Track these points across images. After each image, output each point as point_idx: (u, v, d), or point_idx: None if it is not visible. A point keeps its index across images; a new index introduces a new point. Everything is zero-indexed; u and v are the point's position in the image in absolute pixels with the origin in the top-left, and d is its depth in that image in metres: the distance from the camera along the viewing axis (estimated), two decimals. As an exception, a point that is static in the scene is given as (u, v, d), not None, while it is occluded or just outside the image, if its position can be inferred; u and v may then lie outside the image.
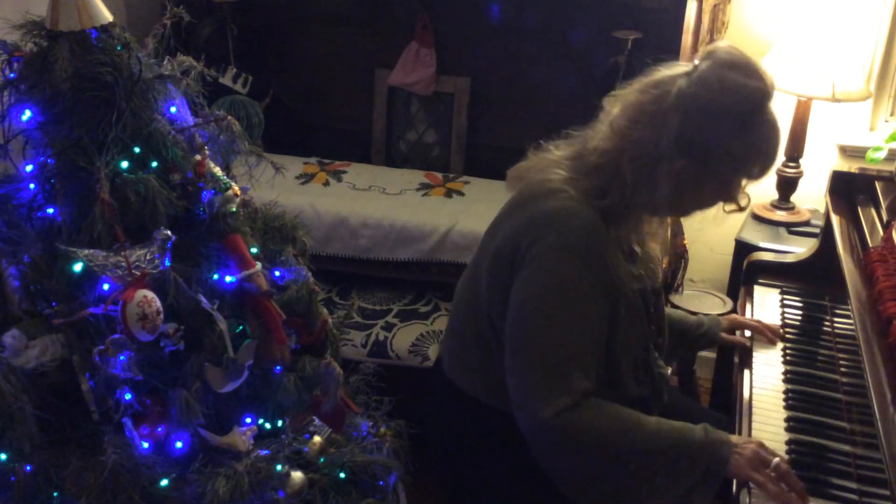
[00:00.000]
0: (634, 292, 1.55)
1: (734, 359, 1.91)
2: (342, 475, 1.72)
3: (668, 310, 1.88)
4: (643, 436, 1.45)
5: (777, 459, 1.42)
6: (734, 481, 1.46)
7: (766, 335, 1.89)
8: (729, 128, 1.45)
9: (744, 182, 1.55)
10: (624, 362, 1.55)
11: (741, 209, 1.64)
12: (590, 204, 1.51)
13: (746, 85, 1.45)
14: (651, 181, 1.49)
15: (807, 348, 1.86)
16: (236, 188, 1.62)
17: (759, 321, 1.93)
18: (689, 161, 1.47)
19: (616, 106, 1.55)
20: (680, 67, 1.52)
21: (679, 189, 1.50)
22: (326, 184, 2.72)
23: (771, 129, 1.48)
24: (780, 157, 1.55)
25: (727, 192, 1.56)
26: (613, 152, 1.52)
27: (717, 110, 1.45)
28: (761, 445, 1.45)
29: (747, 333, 1.93)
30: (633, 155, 1.49)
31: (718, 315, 2.01)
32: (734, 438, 1.47)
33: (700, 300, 2.70)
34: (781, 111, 2.71)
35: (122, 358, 1.42)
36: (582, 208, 1.50)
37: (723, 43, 1.52)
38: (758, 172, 1.53)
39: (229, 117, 1.63)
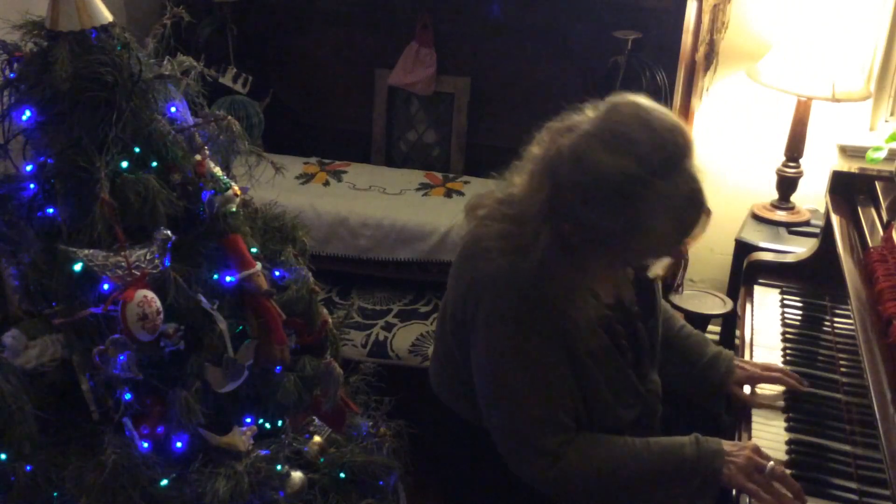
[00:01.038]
0: (590, 323, 1.46)
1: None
2: (342, 475, 1.73)
3: (690, 330, 1.79)
4: (634, 463, 1.46)
5: (771, 463, 1.42)
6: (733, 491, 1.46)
7: (790, 384, 1.70)
8: (596, 207, 1.33)
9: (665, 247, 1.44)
10: (605, 394, 1.53)
11: (678, 263, 1.54)
12: (529, 258, 1.39)
13: (608, 166, 1.31)
14: (538, 244, 1.37)
15: (807, 348, 1.86)
16: (236, 188, 1.62)
17: (780, 370, 1.73)
18: (572, 227, 1.37)
19: (530, 152, 1.46)
20: (580, 116, 1.40)
21: (587, 251, 1.40)
22: (326, 184, 2.72)
23: (652, 211, 1.32)
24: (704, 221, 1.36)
25: (642, 257, 1.46)
26: (520, 205, 1.43)
27: (582, 189, 1.33)
28: (755, 451, 1.44)
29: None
30: (531, 211, 1.40)
31: (731, 354, 1.78)
32: (727, 446, 1.46)
33: (700, 300, 2.70)
34: (781, 111, 2.74)
35: (121, 358, 1.42)
36: (516, 268, 1.40)
37: (620, 98, 1.37)
38: (652, 250, 1.41)
39: (229, 117, 1.63)
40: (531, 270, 1.40)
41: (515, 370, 1.46)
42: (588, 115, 1.39)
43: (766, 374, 1.72)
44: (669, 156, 1.32)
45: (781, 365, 1.79)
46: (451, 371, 1.63)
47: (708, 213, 1.37)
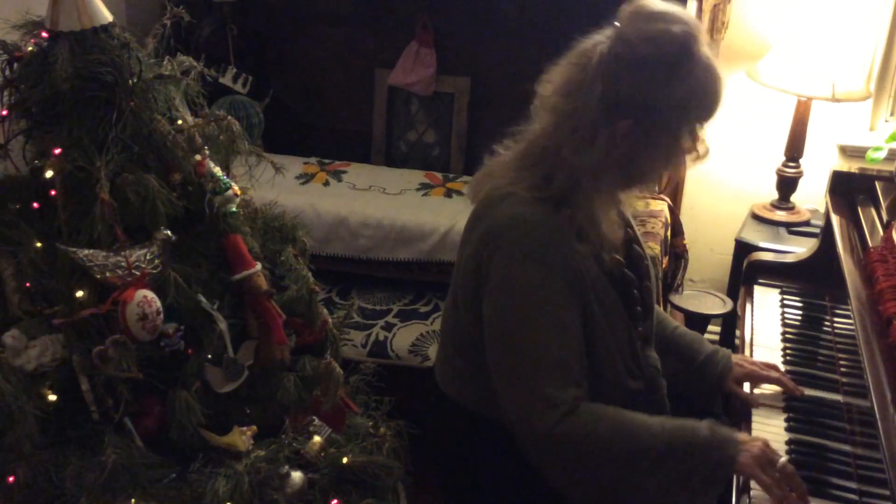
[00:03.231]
0: (600, 277, 1.50)
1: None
2: (342, 475, 1.72)
3: (685, 330, 1.81)
4: (647, 437, 1.43)
5: (784, 459, 1.42)
6: (734, 487, 1.46)
7: (788, 387, 1.70)
8: (662, 77, 1.42)
9: (697, 129, 1.50)
10: (613, 356, 1.52)
11: (700, 158, 1.59)
12: (539, 199, 1.47)
13: (668, 31, 1.42)
14: (594, 150, 1.44)
15: (807, 348, 1.86)
16: (236, 188, 1.62)
17: (775, 370, 1.74)
18: (633, 120, 1.43)
19: (547, 87, 1.51)
20: (601, 34, 1.48)
21: (630, 152, 1.45)
22: (326, 184, 2.71)
23: (705, 68, 1.43)
24: (724, 102, 1.47)
25: (680, 146, 1.50)
26: (552, 132, 1.48)
27: (644, 63, 1.41)
28: (767, 444, 1.44)
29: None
30: (570, 128, 1.45)
31: (728, 351, 1.78)
32: (741, 436, 1.46)
33: (700, 300, 2.70)
34: (781, 111, 2.74)
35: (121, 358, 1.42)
36: (531, 208, 1.46)
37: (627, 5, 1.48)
38: (705, 115, 1.48)
39: (229, 117, 1.63)
40: (555, 198, 1.46)
41: (533, 311, 1.44)
42: (604, 33, 1.48)
43: (765, 372, 1.72)
44: (695, 23, 1.45)
45: (781, 366, 1.79)
46: (458, 360, 1.62)
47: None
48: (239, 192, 1.62)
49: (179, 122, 1.57)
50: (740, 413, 1.68)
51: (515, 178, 1.51)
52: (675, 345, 1.77)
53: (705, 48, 1.44)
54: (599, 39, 1.47)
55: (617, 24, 1.46)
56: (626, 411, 1.47)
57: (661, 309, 1.85)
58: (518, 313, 1.46)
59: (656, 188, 2.56)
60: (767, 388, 1.72)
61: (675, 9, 1.45)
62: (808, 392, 1.71)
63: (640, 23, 1.44)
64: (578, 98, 1.45)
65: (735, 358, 1.75)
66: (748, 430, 1.62)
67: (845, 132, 2.75)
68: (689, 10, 2.39)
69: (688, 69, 1.42)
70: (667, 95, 1.42)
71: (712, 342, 1.84)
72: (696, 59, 1.43)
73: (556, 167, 1.47)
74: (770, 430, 1.61)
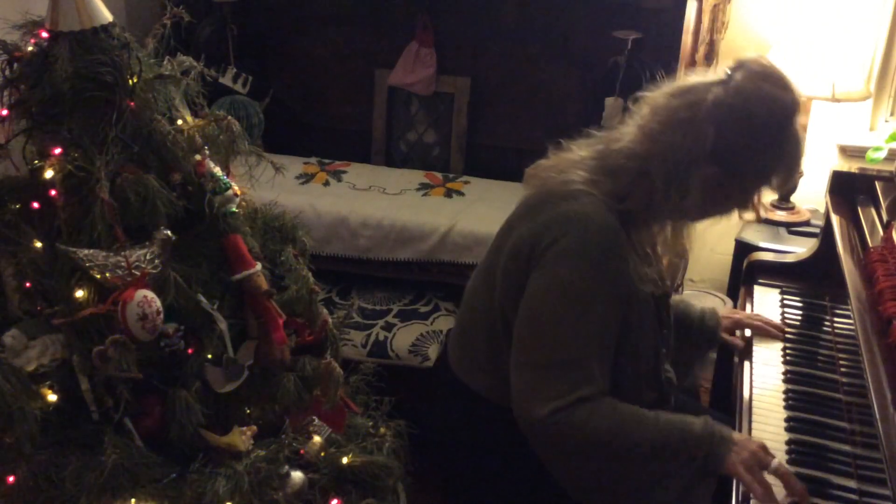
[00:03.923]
0: (647, 297, 1.55)
1: (734, 358, 1.91)
2: (342, 475, 1.72)
3: (677, 300, 1.87)
4: (643, 429, 1.45)
5: (777, 461, 1.42)
6: (733, 494, 1.46)
7: (768, 332, 1.90)
8: (764, 139, 1.47)
9: (763, 192, 1.57)
10: (638, 369, 1.55)
11: (758, 219, 1.65)
12: (610, 207, 1.51)
13: (782, 98, 1.47)
14: (683, 187, 1.49)
15: (807, 348, 1.86)
16: (236, 188, 1.62)
17: (759, 318, 1.92)
18: (720, 169, 1.48)
19: (644, 108, 1.54)
20: (711, 76, 1.52)
21: (706, 195, 1.50)
22: (326, 184, 2.72)
23: (796, 142, 1.51)
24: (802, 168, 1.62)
25: (748, 201, 1.57)
26: (642, 154, 1.51)
27: (753, 121, 1.46)
28: (762, 447, 1.44)
29: (748, 332, 1.93)
30: (665, 159, 1.49)
31: (713, 308, 1.97)
32: (735, 436, 1.46)
33: (700, 300, 2.69)
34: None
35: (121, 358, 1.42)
36: (602, 212, 1.49)
37: (752, 55, 1.54)
38: (782, 182, 1.55)
39: (229, 117, 1.63)
40: (623, 212, 1.51)
41: (571, 307, 1.46)
42: (715, 76, 1.51)
43: (748, 318, 1.93)
44: (800, 94, 1.52)
45: (780, 366, 1.79)
46: (478, 344, 1.63)
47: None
48: (239, 192, 1.62)
49: (179, 122, 1.57)
50: (741, 413, 1.69)
51: (590, 181, 1.54)
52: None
53: (798, 122, 1.51)
54: (712, 81, 1.50)
55: (730, 72, 1.50)
56: (624, 404, 1.48)
57: None
58: (557, 305, 1.47)
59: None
60: (768, 392, 1.72)
61: (784, 75, 1.51)
62: (808, 391, 1.71)
63: (759, 81, 1.48)
64: (680, 133, 1.48)
65: (723, 311, 1.94)
66: (749, 428, 1.62)
67: (845, 132, 2.75)
68: (690, 11, 2.40)
69: (785, 138, 1.48)
70: (759, 157, 1.49)
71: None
72: (792, 131, 1.49)
73: (636, 187, 1.51)
74: (770, 429, 1.61)
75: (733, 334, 1.94)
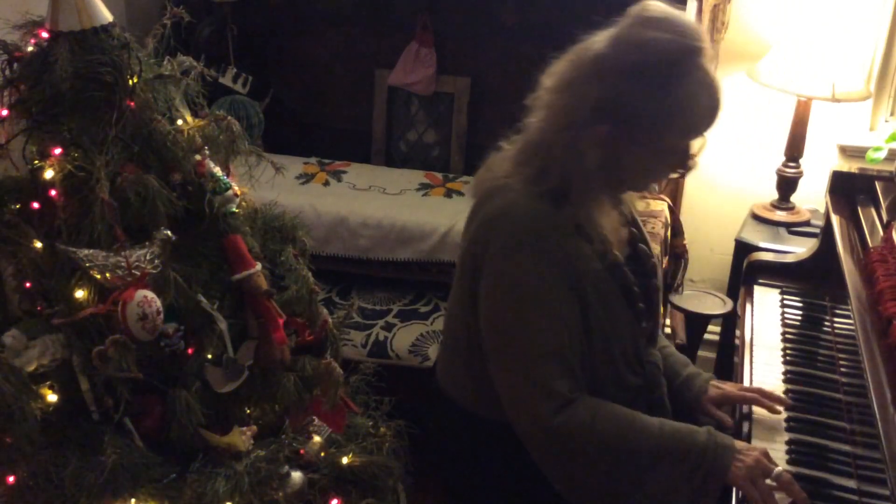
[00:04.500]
0: (602, 273, 1.49)
1: (734, 358, 1.91)
2: (342, 475, 1.72)
3: (673, 351, 1.78)
4: (645, 437, 1.43)
5: (779, 469, 1.41)
6: (733, 498, 1.45)
7: (765, 405, 1.63)
8: (645, 87, 1.38)
9: (684, 143, 1.47)
10: (613, 351, 1.51)
11: (683, 173, 1.57)
12: (534, 193, 1.46)
13: (660, 40, 1.37)
14: (576, 151, 1.42)
15: (807, 348, 1.86)
16: (236, 188, 1.62)
17: (756, 390, 1.65)
18: (612, 125, 1.40)
19: (546, 81, 1.50)
20: (603, 32, 1.45)
21: (611, 157, 1.43)
22: (326, 184, 2.71)
23: (698, 83, 1.39)
24: (721, 121, 1.45)
25: (667, 156, 1.48)
26: (545, 128, 1.47)
27: (631, 69, 1.38)
28: (765, 454, 1.43)
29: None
30: (558, 125, 1.44)
31: (710, 375, 1.73)
32: (738, 444, 1.45)
33: (700, 300, 2.70)
34: (781, 111, 2.73)
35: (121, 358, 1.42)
36: (525, 200, 1.46)
37: (649, 2, 1.44)
38: (691, 130, 1.45)
39: (229, 117, 1.63)
40: (551, 193, 1.45)
41: (528, 302, 1.43)
42: (607, 32, 1.44)
43: (740, 393, 1.66)
44: (700, 38, 1.40)
45: (780, 366, 1.79)
46: (458, 359, 1.62)
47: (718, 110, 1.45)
48: (239, 192, 1.62)
49: (179, 122, 1.57)
50: (742, 414, 1.68)
51: (511, 172, 1.50)
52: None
53: (703, 62, 1.40)
54: (597, 39, 1.45)
55: (618, 23, 1.44)
56: (624, 409, 1.47)
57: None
58: (513, 303, 1.45)
59: (655, 189, 2.56)
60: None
61: (678, 19, 1.40)
62: (808, 391, 1.71)
63: (637, 27, 1.40)
64: (569, 95, 1.44)
65: (713, 381, 1.70)
66: (748, 428, 1.61)
67: (845, 132, 2.75)
68: (690, 11, 2.39)
69: (676, 82, 1.38)
70: (649, 105, 1.39)
71: (712, 343, 1.83)
72: (686, 73, 1.38)
73: (549, 162, 1.46)
74: (770, 430, 1.61)
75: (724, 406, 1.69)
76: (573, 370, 1.45)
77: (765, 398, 1.63)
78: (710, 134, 1.50)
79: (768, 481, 1.40)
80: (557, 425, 1.41)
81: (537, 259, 1.43)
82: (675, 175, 1.55)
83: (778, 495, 1.40)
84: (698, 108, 1.41)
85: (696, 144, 1.51)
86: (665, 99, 1.39)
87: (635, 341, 1.57)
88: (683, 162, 1.50)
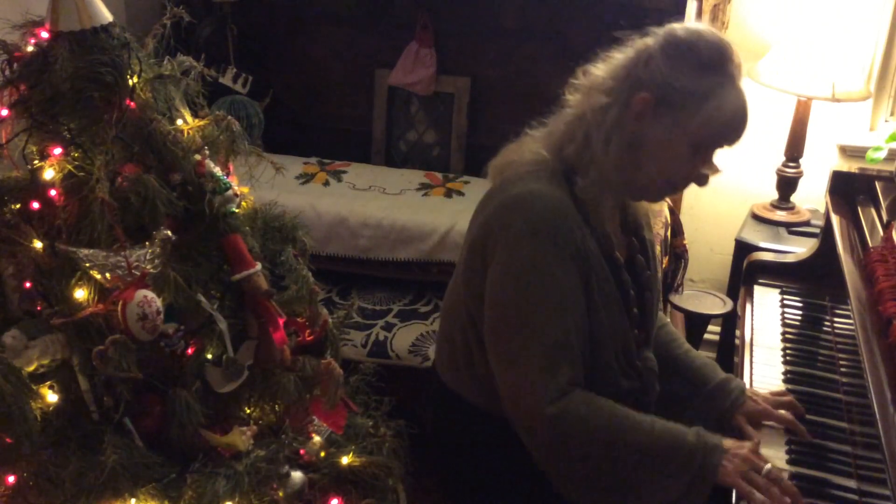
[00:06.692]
0: (607, 274, 1.51)
1: (734, 358, 1.91)
2: (342, 475, 1.72)
3: (697, 354, 1.77)
4: (636, 434, 1.43)
5: (768, 465, 1.41)
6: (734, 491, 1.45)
7: (799, 430, 1.58)
8: (692, 67, 1.45)
9: (709, 148, 1.51)
10: (607, 349, 1.51)
11: (700, 179, 1.58)
12: (558, 183, 1.48)
13: (710, 36, 1.46)
14: (605, 122, 1.47)
15: (807, 348, 1.86)
16: (236, 188, 1.62)
17: (791, 417, 1.60)
18: (651, 96, 1.45)
19: (589, 72, 1.54)
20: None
21: (640, 132, 1.46)
22: (326, 184, 2.72)
23: (736, 92, 1.47)
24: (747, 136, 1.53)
25: (688, 153, 1.50)
26: (583, 100, 1.51)
27: (676, 48, 1.46)
28: (753, 450, 1.44)
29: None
30: (599, 95, 1.49)
31: (742, 383, 1.68)
32: (727, 443, 1.45)
33: (700, 300, 2.71)
34: (781, 111, 2.74)
35: (121, 358, 1.42)
36: (547, 189, 1.47)
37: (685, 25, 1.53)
38: (719, 136, 1.50)
39: (229, 117, 1.63)
40: (565, 178, 1.49)
41: (539, 288, 1.43)
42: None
43: (777, 414, 1.61)
44: (738, 61, 1.48)
45: (780, 366, 1.78)
46: (457, 346, 1.61)
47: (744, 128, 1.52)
48: (239, 192, 1.62)
49: (179, 122, 1.57)
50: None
51: (537, 160, 1.52)
52: (686, 367, 1.74)
53: (740, 78, 1.47)
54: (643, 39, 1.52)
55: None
56: (619, 406, 1.47)
57: (672, 328, 1.84)
58: (521, 289, 1.45)
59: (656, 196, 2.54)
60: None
61: (722, 47, 1.48)
62: (808, 391, 1.71)
63: (687, 28, 1.49)
64: (614, 72, 1.50)
65: (749, 392, 1.65)
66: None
67: (845, 132, 2.75)
68: (690, 11, 2.39)
69: (718, 79, 1.45)
70: (691, 85, 1.44)
71: (712, 343, 1.84)
72: (728, 76, 1.46)
73: (575, 127, 1.50)
74: (770, 430, 1.61)
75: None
76: (574, 362, 1.45)
77: (796, 424, 1.59)
78: (727, 152, 1.55)
79: (759, 477, 1.40)
80: (552, 414, 1.41)
81: (553, 246, 1.44)
82: (684, 186, 1.57)
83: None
84: (730, 114, 1.47)
85: (711, 167, 1.56)
86: (706, 83, 1.44)
87: (627, 343, 1.57)
88: (698, 170, 1.54)
